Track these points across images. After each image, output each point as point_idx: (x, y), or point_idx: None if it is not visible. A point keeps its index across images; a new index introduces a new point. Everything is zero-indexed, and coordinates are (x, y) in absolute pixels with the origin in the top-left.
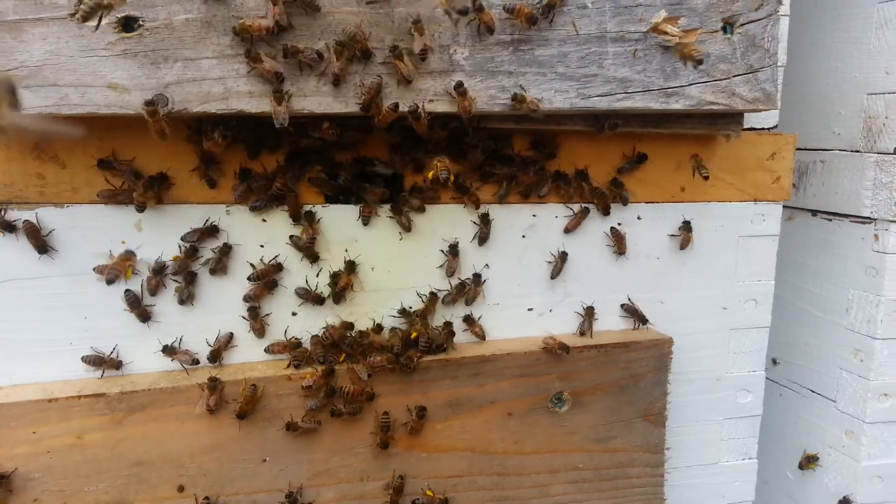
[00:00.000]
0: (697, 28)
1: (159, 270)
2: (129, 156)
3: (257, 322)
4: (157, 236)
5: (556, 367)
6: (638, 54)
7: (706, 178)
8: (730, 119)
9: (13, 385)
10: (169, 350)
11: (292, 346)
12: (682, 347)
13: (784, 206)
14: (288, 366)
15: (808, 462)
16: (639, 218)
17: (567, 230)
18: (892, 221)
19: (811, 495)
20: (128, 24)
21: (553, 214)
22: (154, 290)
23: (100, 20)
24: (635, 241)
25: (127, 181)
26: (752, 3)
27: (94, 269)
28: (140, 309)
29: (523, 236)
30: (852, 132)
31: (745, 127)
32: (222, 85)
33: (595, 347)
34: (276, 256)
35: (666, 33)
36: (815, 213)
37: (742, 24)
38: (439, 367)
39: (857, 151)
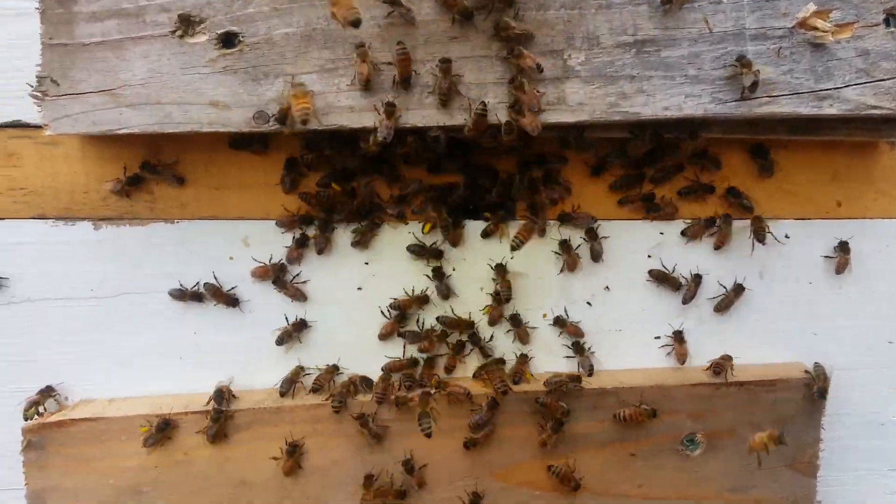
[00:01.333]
0: (854, 21)
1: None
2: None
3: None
4: (264, 251)
5: (689, 404)
6: (783, 53)
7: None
8: (892, 125)
9: (125, 398)
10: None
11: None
12: (837, 385)
13: None
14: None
15: None
16: (787, 237)
17: (717, 247)
18: None
19: None
20: (228, 40)
21: (683, 232)
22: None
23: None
24: (783, 263)
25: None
26: None
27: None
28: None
29: (649, 256)
30: None
31: None
32: (323, 100)
33: (735, 385)
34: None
35: (816, 28)
36: None
37: None
38: (547, 394)
39: None
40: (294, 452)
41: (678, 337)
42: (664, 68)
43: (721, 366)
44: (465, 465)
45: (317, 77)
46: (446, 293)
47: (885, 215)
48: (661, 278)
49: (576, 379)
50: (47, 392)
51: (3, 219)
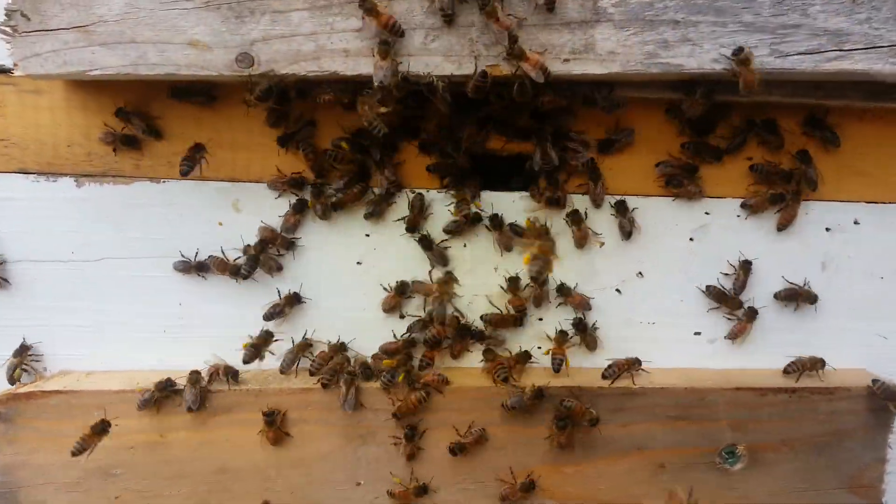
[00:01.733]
0: None
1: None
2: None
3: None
4: (255, 217)
5: (730, 411)
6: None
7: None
8: None
9: (104, 371)
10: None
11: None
12: None
13: None
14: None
15: None
16: (856, 223)
17: (782, 226)
18: None
19: None
20: None
21: (734, 212)
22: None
23: None
24: (849, 254)
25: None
26: None
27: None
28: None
29: (691, 239)
30: None
31: None
32: (314, 42)
33: (786, 391)
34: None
35: None
36: None
37: None
38: (569, 395)
39: None
40: (273, 421)
41: (750, 314)
42: (714, 13)
43: (796, 365)
44: (475, 464)
45: (307, 15)
46: (442, 260)
47: None
48: (719, 298)
49: (636, 362)
50: (23, 351)
51: None
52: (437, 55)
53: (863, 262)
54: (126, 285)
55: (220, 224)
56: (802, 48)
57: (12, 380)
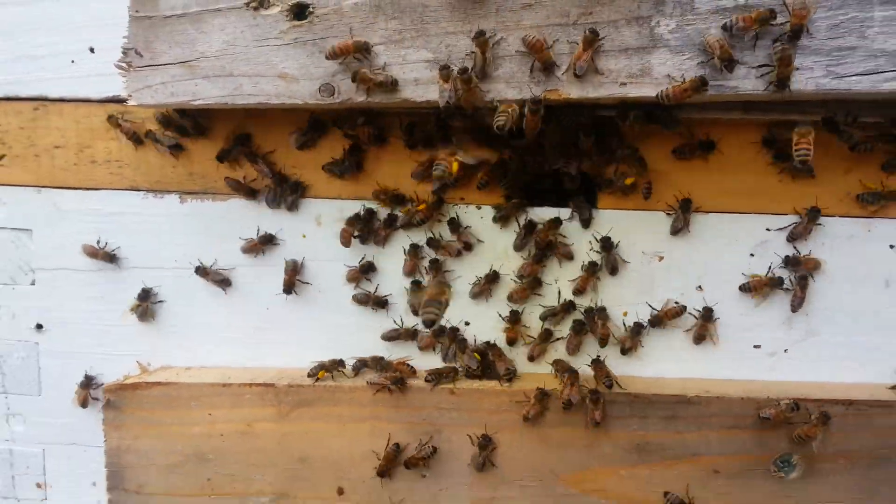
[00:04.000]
0: None
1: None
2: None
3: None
4: (333, 230)
5: (781, 416)
6: None
7: None
8: None
9: (199, 367)
10: None
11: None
12: None
13: None
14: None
15: None
16: None
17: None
18: None
19: None
20: (300, 12)
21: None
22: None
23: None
24: None
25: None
26: None
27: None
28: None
29: (752, 255)
30: None
31: None
32: (389, 72)
33: (842, 402)
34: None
35: None
36: None
37: None
38: (625, 402)
39: None
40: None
41: (706, 314)
42: (769, 36)
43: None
44: (534, 464)
45: (383, 49)
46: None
47: None
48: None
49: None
50: (147, 295)
51: (100, 189)
52: (500, 82)
53: None
54: (220, 291)
55: (304, 236)
56: (859, 70)
57: (143, 316)
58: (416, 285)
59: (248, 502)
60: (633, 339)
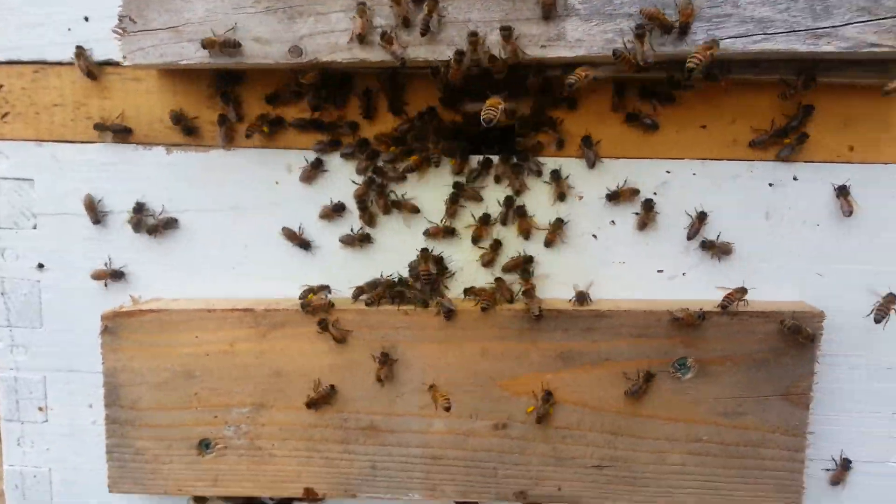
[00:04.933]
0: None
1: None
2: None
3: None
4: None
5: (681, 331)
6: None
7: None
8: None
9: (186, 298)
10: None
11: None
12: (842, 327)
13: None
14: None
15: None
16: (795, 178)
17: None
18: None
19: None
20: None
21: (690, 171)
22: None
23: None
24: (789, 205)
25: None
26: None
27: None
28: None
29: (655, 193)
30: None
31: None
32: (348, 36)
33: (729, 314)
34: None
35: None
36: None
37: None
38: (551, 317)
39: None
40: (325, 327)
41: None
42: (660, 6)
43: (731, 298)
44: (475, 373)
45: (343, 15)
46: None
47: None
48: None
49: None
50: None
51: (95, 142)
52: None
53: (802, 213)
54: (203, 232)
55: (277, 183)
56: (733, 33)
57: (137, 226)
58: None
59: (230, 412)
60: (554, 231)
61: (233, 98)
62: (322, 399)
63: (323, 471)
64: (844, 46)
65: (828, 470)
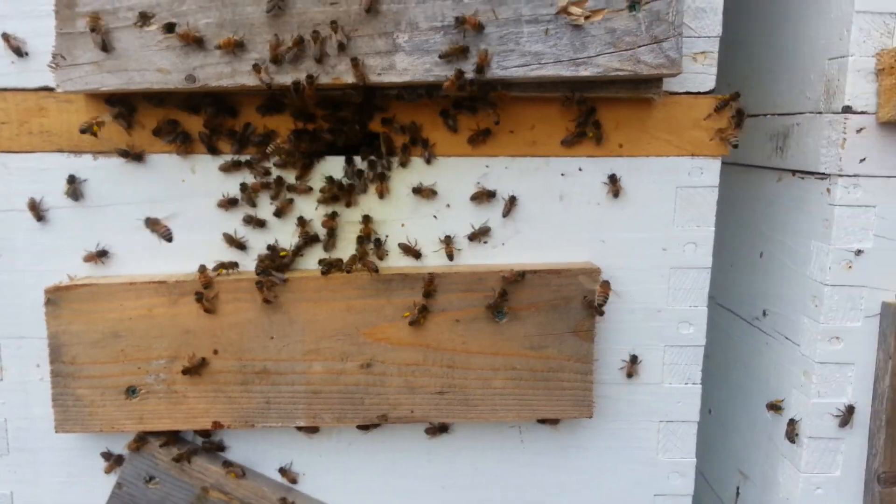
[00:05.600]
0: (603, 8)
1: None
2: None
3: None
4: (205, 178)
5: (497, 286)
6: (550, 32)
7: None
8: (649, 84)
9: (114, 276)
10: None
11: None
12: (622, 281)
13: (772, 169)
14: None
15: (774, 407)
16: (580, 169)
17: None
18: (838, 175)
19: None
20: (169, 27)
21: (503, 166)
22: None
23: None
24: (577, 190)
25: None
26: None
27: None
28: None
29: (478, 182)
30: (817, 95)
31: (683, 91)
32: (230, 66)
33: (531, 272)
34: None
35: (571, 14)
36: (794, 172)
37: (647, 3)
38: (399, 279)
39: (819, 113)
40: (202, 298)
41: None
42: (459, 45)
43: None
44: (344, 325)
45: (225, 51)
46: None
47: (659, 154)
48: (481, 197)
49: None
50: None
51: (36, 152)
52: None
53: (586, 196)
54: (122, 223)
55: (184, 181)
56: (516, 63)
57: (74, 195)
58: None
59: (150, 364)
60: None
61: (125, 117)
62: (195, 368)
63: (227, 407)
64: (597, 71)
65: (621, 368)
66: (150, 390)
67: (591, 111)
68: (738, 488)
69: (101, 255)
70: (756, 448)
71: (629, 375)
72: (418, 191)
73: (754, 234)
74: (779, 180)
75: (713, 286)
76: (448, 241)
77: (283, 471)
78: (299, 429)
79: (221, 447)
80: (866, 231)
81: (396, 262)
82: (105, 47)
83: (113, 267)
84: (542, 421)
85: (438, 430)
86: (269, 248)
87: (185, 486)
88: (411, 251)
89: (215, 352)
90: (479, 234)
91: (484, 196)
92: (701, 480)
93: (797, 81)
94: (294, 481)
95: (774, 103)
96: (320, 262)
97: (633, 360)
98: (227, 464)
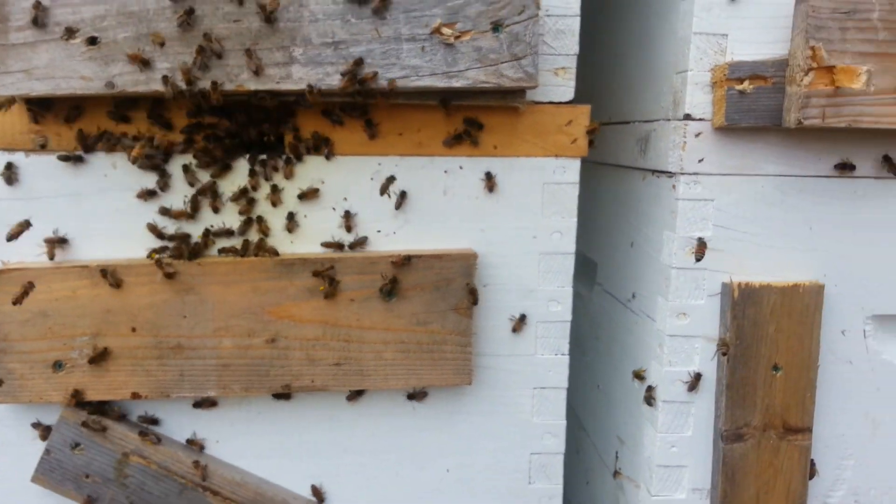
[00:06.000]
0: (471, 30)
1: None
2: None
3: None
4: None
5: (388, 271)
6: (426, 49)
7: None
8: (515, 95)
9: (41, 261)
10: None
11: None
12: (498, 265)
13: (638, 168)
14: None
15: (638, 377)
16: (461, 167)
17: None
18: (681, 174)
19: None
20: (92, 41)
21: (394, 164)
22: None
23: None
24: (459, 185)
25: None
26: (515, 10)
27: None
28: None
29: (371, 179)
30: (667, 104)
31: (546, 101)
32: (145, 74)
33: (416, 257)
34: None
35: (443, 34)
36: (653, 171)
37: (508, 26)
38: (300, 264)
39: (668, 120)
40: (105, 275)
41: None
42: (351, 58)
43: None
44: (251, 305)
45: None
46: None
47: (527, 155)
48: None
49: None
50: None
51: None
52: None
53: (466, 190)
54: (52, 214)
55: (106, 175)
56: (398, 75)
57: (10, 181)
58: None
59: (75, 340)
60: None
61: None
62: (98, 357)
63: (144, 379)
64: (466, 83)
65: (511, 320)
66: (75, 364)
67: (468, 119)
68: (616, 452)
69: (61, 242)
70: (629, 415)
71: (514, 330)
72: (303, 195)
73: (627, 226)
74: (643, 179)
75: (601, 274)
76: (347, 217)
77: (190, 441)
78: (196, 405)
79: (154, 420)
80: (706, 221)
81: (301, 248)
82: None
83: (44, 255)
84: (411, 397)
85: (356, 394)
86: (174, 236)
87: (108, 451)
88: (332, 244)
89: (133, 329)
90: (358, 244)
91: (387, 185)
92: (592, 450)
93: (654, 93)
94: (202, 448)
95: (639, 111)
96: (220, 250)
97: (522, 318)
98: (144, 432)
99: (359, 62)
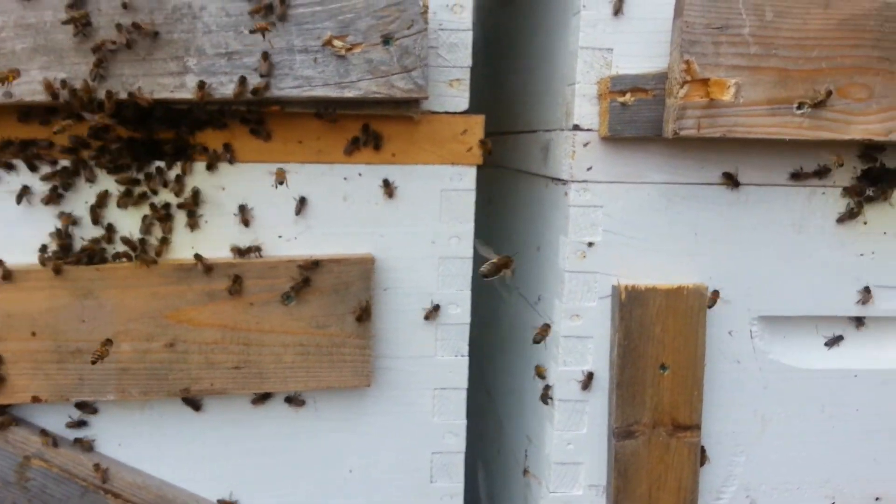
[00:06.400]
0: (361, 42)
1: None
2: None
3: None
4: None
5: (287, 273)
6: (318, 60)
7: None
8: (409, 105)
9: None
10: None
11: None
12: (398, 269)
13: (541, 176)
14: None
15: (539, 375)
16: (360, 175)
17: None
18: (572, 181)
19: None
20: None
21: (294, 171)
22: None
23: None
24: (358, 191)
25: None
26: (404, 24)
27: None
28: None
29: (272, 185)
30: (561, 115)
31: (442, 111)
32: (42, 85)
33: (317, 263)
34: None
35: (335, 46)
36: (552, 179)
37: (398, 39)
38: (199, 270)
39: (562, 129)
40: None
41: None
42: (244, 68)
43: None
44: (150, 309)
45: (38, 72)
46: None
47: (425, 162)
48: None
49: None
50: None
51: None
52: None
53: (366, 196)
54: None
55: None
56: (291, 85)
57: None
58: None
59: None
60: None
61: None
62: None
63: (44, 383)
64: (358, 93)
65: (424, 309)
66: None
67: (364, 127)
68: (526, 451)
69: None
70: (535, 414)
71: (427, 318)
72: (181, 205)
73: (535, 231)
74: (546, 186)
75: (517, 278)
76: (242, 210)
77: (77, 440)
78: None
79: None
80: (596, 227)
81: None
82: None
83: None
84: (289, 400)
85: (261, 398)
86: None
87: (9, 454)
88: (240, 251)
89: (33, 333)
90: (254, 250)
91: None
92: (506, 450)
93: (551, 103)
94: (90, 448)
95: (542, 121)
96: (114, 256)
97: (436, 308)
98: (44, 433)
99: (243, 80)
